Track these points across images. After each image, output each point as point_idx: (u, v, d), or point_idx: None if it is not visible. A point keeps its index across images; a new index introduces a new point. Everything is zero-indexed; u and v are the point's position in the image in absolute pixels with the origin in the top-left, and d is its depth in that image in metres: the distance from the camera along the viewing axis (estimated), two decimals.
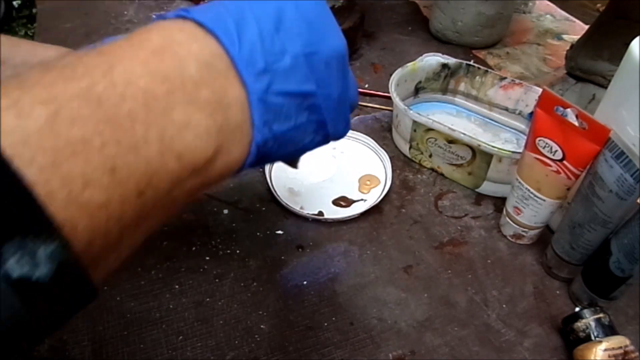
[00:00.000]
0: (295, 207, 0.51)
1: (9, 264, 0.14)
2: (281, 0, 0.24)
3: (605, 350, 0.38)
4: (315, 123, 0.26)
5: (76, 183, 0.16)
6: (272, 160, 0.30)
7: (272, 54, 0.23)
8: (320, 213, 0.51)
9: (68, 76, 0.18)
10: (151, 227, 0.21)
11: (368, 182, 0.55)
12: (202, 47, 0.21)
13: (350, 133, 0.60)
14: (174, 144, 0.20)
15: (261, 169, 0.55)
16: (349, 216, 0.51)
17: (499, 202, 0.54)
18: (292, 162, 0.37)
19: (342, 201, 0.53)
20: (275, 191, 0.52)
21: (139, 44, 0.20)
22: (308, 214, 0.51)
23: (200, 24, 0.22)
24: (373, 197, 0.53)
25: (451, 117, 0.64)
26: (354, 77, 0.30)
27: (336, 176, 0.56)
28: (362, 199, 0.53)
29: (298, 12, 0.24)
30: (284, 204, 0.51)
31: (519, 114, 0.61)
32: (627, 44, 0.40)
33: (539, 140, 0.43)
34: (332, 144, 0.60)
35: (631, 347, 0.39)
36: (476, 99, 0.64)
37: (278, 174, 0.55)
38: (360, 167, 0.57)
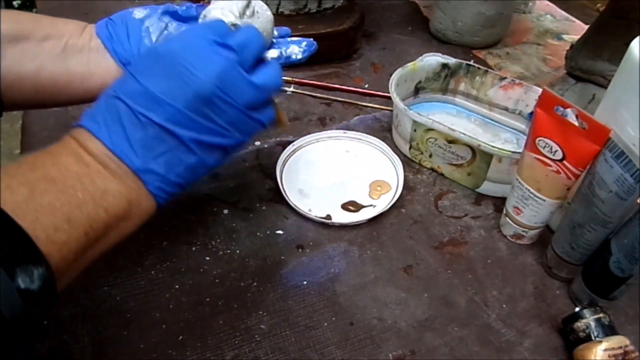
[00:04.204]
0: (304, 209, 0.51)
1: (19, 281, 0.24)
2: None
3: (605, 350, 0.38)
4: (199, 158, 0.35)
5: (50, 230, 0.27)
6: (195, 179, 0.36)
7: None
8: (329, 216, 0.51)
9: (33, 168, 0.29)
10: (98, 252, 0.32)
11: (379, 188, 0.54)
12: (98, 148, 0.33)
13: (365, 137, 0.59)
14: (101, 202, 0.30)
15: (264, 170, 0.55)
16: (357, 222, 0.50)
17: (499, 202, 0.54)
18: (275, 123, 0.40)
19: (351, 206, 0.52)
20: (284, 191, 0.51)
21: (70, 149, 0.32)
22: (316, 216, 0.50)
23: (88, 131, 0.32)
24: (382, 203, 0.52)
25: (451, 117, 0.64)
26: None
27: (348, 180, 0.55)
28: (371, 205, 0.52)
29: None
30: (292, 204, 0.50)
31: (519, 114, 0.61)
32: (627, 44, 0.40)
33: (539, 140, 0.43)
34: (344, 147, 0.61)
35: (631, 347, 0.39)
36: (476, 99, 0.64)
37: (289, 175, 0.54)
38: (373, 172, 0.56)
